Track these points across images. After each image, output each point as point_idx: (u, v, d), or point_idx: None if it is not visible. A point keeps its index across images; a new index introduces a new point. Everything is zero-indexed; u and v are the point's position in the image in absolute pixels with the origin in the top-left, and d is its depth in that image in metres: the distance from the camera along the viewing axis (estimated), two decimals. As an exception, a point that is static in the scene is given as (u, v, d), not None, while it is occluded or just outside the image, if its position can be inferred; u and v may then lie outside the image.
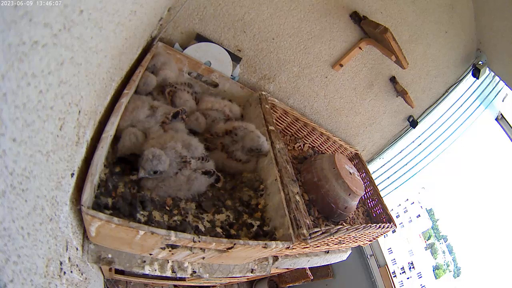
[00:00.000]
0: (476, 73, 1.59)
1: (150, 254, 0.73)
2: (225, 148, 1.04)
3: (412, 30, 1.45)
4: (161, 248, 0.67)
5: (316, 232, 0.90)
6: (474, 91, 1.88)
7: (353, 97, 1.66)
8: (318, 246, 1.17)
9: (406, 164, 2.11)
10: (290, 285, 2.08)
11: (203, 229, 0.79)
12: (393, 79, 1.62)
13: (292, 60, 1.42)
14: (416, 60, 1.58)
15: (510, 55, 1.48)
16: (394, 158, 2.09)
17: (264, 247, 0.76)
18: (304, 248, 1.07)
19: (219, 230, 0.82)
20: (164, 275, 0.82)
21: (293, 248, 1.00)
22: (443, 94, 1.84)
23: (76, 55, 0.45)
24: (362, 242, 1.40)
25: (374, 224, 1.24)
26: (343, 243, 1.28)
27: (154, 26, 1.07)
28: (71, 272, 0.60)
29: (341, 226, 1.04)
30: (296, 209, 0.90)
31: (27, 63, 0.33)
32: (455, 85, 1.80)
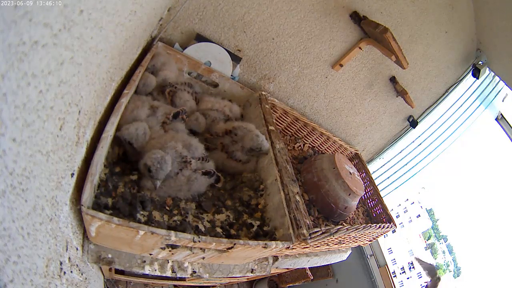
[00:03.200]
0: (476, 73, 1.59)
1: (150, 254, 0.73)
2: (225, 148, 1.04)
3: (412, 30, 1.45)
4: (161, 248, 0.67)
5: (316, 232, 0.90)
6: (474, 91, 1.88)
7: (353, 97, 1.66)
8: (318, 246, 1.17)
9: (406, 164, 2.11)
10: (290, 285, 2.09)
11: (203, 229, 0.79)
12: (393, 79, 1.62)
13: (292, 60, 1.42)
14: (416, 60, 1.58)
15: (510, 55, 1.48)
16: (394, 158, 2.09)
17: (264, 247, 0.76)
18: (304, 248, 1.07)
19: (219, 230, 0.82)
20: (164, 275, 0.82)
21: (293, 248, 1.00)
22: (443, 94, 1.84)
23: (76, 55, 0.45)
24: (362, 242, 1.40)
25: (374, 224, 1.24)
26: (343, 243, 1.28)
27: (154, 26, 1.07)
28: (71, 272, 0.60)
29: (341, 226, 1.04)
30: (296, 209, 0.90)
31: (27, 63, 0.33)
32: (455, 85, 1.80)
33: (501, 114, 1.97)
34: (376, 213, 1.50)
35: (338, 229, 1.01)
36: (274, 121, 1.25)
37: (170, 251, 0.70)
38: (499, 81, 1.82)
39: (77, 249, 0.64)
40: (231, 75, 1.31)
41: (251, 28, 1.27)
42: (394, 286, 2.04)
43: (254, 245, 0.74)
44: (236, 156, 1.03)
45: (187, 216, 0.80)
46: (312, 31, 1.34)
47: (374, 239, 1.43)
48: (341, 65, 1.45)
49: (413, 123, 1.83)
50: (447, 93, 1.83)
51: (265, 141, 1.04)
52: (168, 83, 1.06)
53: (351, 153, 1.73)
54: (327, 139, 1.58)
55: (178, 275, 0.84)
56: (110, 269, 1.08)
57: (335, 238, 1.13)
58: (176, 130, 0.93)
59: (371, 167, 2.04)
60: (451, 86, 1.81)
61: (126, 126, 0.79)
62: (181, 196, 0.83)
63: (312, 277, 2.01)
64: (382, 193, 1.66)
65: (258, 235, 0.87)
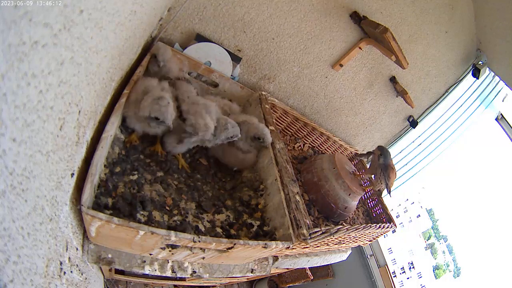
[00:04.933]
0: (476, 73, 1.59)
1: (150, 254, 0.73)
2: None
3: (412, 30, 1.45)
4: (161, 248, 0.67)
5: (316, 232, 0.90)
6: (474, 91, 1.88)
7: (353, 97, 1.66)
8: (318, 246, 1.17)
9: (406, 164, 2.11)
10: (290, 285, 2.08)
11: (203, 229, 0.79)
12: (393, 79, 1.62)
13: (292, 60, 1.42)
14: (416, 60, 1.58)
15: (510, 55, 1.48)
16: (394, 158, 2.09)
17: (264, 247, 0.76)
18: (304, 248, 1.07)
19: (219, 230, 0.82)
20: (164, 275, 0.82)
21: (293, 248, 1.00)
22: (443, 94, 1.84)
23: (76, 55, 0.45)
24: (362, 242, 1.40)
25: (374, 224, 1.24)
26: (343, 243, 1.28)
27: (154, 26, 1.07)
28: (71, 272, 0.60)
29: (341, 226, 1.04)
30: (296, 209, 0.90)
31: (27, 63, 0.33)
32: (455, 85, 1.80)
33: (501, 114, 1.97)
34: (376, 213, 1.50)
35: (338, 229, 1.01)
36: (274, 121, 1.25)
37: (170, 251, 0.70)
38: (499, 81, 1.82)
39: (77, 249, 0.64)
40: (231, 75, 1.31)
41: (251, 28, 1.27)
42: (394, 286, 2.04)
43: (254, 245, 0.74)
44: (238, 144, 1.03)
45: (187, 216, 0.80)
46: (312, 31, 1.34)
47: (374, 239, 1.43)
48: (341, 65, 1.45)
49: (413, 123, 1.83)
50: (447, 93, 1.83)
51: (268, 133, 1.04)
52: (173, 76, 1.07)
53: (351, 153, 1.73)
54: (327, 139, 1.58)
55: (178, 275, 0.84)
56: (110, 269, 1.08)
57: (335, 238, 1.13)
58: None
59: (371, 167, 2.04)
60: (451, 86, 1.81)
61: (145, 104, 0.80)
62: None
63: (312, 277, 2.01)
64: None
65: (258, 235, 0.87)
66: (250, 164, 1.08)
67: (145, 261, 0.77)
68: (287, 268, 1.52)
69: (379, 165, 1.33)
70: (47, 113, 0.41)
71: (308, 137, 1.55)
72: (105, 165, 0.73)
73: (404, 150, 2.06)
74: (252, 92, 1.32)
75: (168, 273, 0.82)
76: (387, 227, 1.32)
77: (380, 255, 2.18)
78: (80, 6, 0.41)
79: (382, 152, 1.33)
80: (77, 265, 0.63)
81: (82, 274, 0.67)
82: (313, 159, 1.34)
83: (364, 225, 1.15)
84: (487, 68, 1.64)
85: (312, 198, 1.21)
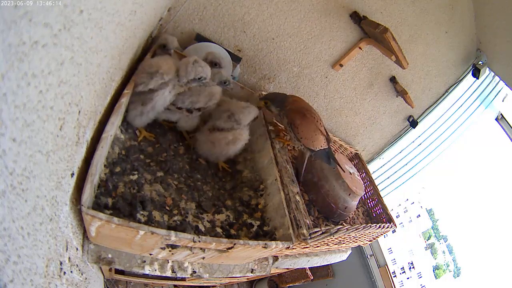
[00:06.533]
0: (476, 73, 1.59)
1: (150, 254, 0.73)
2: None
3: (412, 30, 1.45)
4: (161, 248, 0.67)
5: (316, 232, 0.90)
6: (474, 91, 1.88)
7: (353, 97, 1.66)
8: (318, 246, 1.17)
9: (406, 164, 2.11)
10: (290, 285, 2.08)
11: (203, 229, 0.79)
12: (393, 79, 1.62)
13: (292, 60, 1.42)
14: (416, 60, 1.58)
15: (510, 55, 1.48)
16: (394, 158, 2.09)
17: (264, 247, 0.76)
18: (304, 248, 1.07)
19: (219, 230, 0.82)
20: (164, 275, 0.82)
21: (293, 248, 1.00)
22: (443, 94, 1.84)
23: (76, 55, 0.45)
24: (362, 242, 1.40)
25: (374, 224, 1.24)
26: (343, 243, 1.28)
27: (154, 26, 1.07)
28: (71, 272, 0.60)
29: (341, 226, 1.04)
30: (296, 209, 0.90)
31: (27, 63, 0.33)
32: (455, 85, 1.80)
33: (501, 114, 1.97)
34: (376, 213, 1.50)
35: (338, 229, 1.00)
36: (274, 121, 1.25)
37: (170, 251, 0.70)
38: (499, 81, 1.81)
39: (77, 249, 0.64)
40: (231, 75, 1.31)
41: (251, 28, 1.27)
42: (394, 286, 2.04)
43: (254, 245, 0.74)
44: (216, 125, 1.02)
45: (187, 216, 0.80)
46: (312, 31, 1.34)
47: (374, 239, 1.43)
48: (341, 65, 1.45)
49: (413, 123, 1.83)
50: (447, 93, 1.83)
51: (225, 58, 1.02)
52: None
53: (351, 153, 1.73)
54: (327, 139, 1.58)
55: (178, 275, 0.84)
56: (110, 269, 1.08)
57: (335, 238, 1.12)
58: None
59: (371, 167, 2.04)
60: (451, 86, 1.81)
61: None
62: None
63: (312, 277, 2.01)
64: (382, 193, 1.65)
65: (258, 235, 0.87)
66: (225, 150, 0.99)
67: (145, 261, 0.77)
68: (287, 268, 1.52)
69: (279, 116, 0.98)
70: (47, 113, 0.41)
71: (308, 137, 1.55)
72: (105, 165, 0.73)
73: (404, 150, 2.06)
74: (252, 92, 1.32)
75: (168, 273, 0.82)
76: (387, 227, 1.32)
77: (380, 255, 2.18)
78: (80, 6, 0.41)
79: (267, 100, 0.99)
80: (77, 265, 0.63)
81: (82, 274, 0.67)
82: (313, 159, 1.34)
83: (364, 225, 1.15)
84: (487, 68, 1.64)
85: (312, 198, 1.21)
